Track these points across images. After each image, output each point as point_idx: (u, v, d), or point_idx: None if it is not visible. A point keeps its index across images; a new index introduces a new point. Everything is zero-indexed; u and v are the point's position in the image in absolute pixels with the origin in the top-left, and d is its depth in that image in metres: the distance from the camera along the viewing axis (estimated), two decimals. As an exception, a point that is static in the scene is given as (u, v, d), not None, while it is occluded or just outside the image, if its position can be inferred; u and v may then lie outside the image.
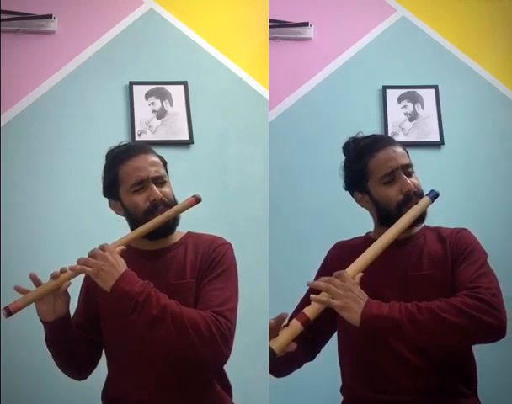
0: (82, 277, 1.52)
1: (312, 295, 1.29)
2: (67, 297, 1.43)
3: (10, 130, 2.29)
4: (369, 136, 1.53)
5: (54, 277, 1.38)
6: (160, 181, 1.47)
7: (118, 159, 1.49)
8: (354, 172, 1.50)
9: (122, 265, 1.34)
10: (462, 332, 1.25)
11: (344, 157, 1.56)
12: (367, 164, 1.46)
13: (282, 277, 2.27)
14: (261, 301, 2.13)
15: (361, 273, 1.32)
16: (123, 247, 1.39)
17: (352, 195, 1.54)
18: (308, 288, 1.57)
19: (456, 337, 1.26)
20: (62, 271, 1.38)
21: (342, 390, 1.53)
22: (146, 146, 1.54)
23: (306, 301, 1.53)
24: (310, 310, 1.27)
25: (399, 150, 1.48)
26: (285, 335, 1.25)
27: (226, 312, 1.35)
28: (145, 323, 1.30)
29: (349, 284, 1.28)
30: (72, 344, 1.47)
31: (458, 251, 1.40)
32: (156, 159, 1.50)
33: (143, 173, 1.44)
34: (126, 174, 1.46)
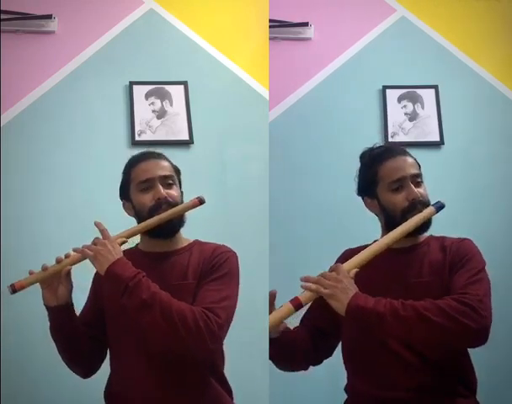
0: (88, 275, 1.56)
1: (302, 283, 1.36)
2: (70, 284, 1.50)
3: (10, 130, 2.29)
4: (382, 146, 1.60)
5: (58, 261, 1.47)
6: (167, 181, 1.53)
7: (131, 162, 1.58)
8: (366, 178, 1.56)
9: (118, 253, 1.43)
10: (442, 332, 1.28)
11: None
12: (377, 170, 1.52)
13: (282, 277, 2.27)
14: (261, 301, 2.13)
15: (356, 269, 1.38)
16: (124, 239, 1.48)
17: (363, 200, 1.58)
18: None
19: (436, 336, 1.29)
20: (66, 256, 1.47)
21: (346, 388, 1.54)
22: (161, 154, 1.61)
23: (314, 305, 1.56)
24: (303, 296, 1.35)
25: (409, 160, 1.52)
26: (276, 314, 1.35)
27: (218, 309, 1.38)
28: (134, 307, 1.35)
29: (342, 276, 1.35)
30: (73, 333, 1.51)
31: (456, 259, 1.43)
32: (166, 164, 1.57)
33: (150, 173, 1.52)
34: (136, 175, 1.54)
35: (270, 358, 1.51)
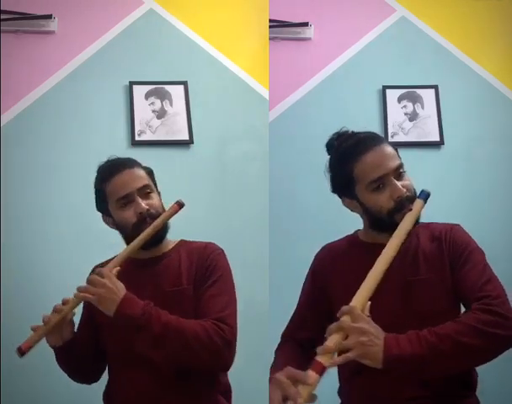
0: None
1: (321, 357, 1.12)
2: (72, 324, 1.47)
3: (10, 130, 2.30)
4: (353, 135, 1.42)
5: (57, 311, 1.39)
6: (145, 191, 1.49)
7: (104, 176, 1.51)
8: (340, 176, 1.41)
9: (121, 289, 1.36)
10: (483, 353, 1.21)
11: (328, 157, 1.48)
12: (353, 169, 1.35)
13: (282, 277, 2.27)
14: (261, 302, 2.13)
15: (369, 302, 1.20)
16: (118, 268, 1.41)
17: (340, 198, 1.46)
18: (300, 295, 1.57)
19: (478, 358, 1.23)
20: (64, 302, 1.40)
21: (339, 392, 1.50)
22: (131, 160, 1.55)
23: (304, 305, 1.53)
24: (324, 358, 1.13)
25: (387, 150, 1.36)
26: (306, 391, 1.10)
27: (227, 318, 1.36)
28: (149, 343, 1.33)
29: (364, 325, 1.16)
30: (80, 358, 1.51)
31: (456, 252, 1.35)
32: (140, 172, 1.51)
33: (127, 188, 1.47)
34: (112, 190, 1.48)
35: None
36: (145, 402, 1.42)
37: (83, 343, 1.51)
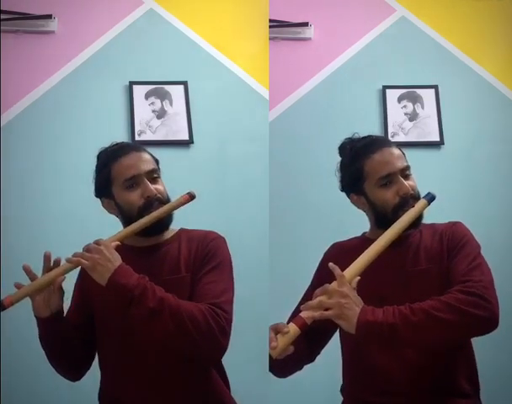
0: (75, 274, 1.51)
1: (304, 312, 1.26)
2: (62, 292, 1.42)
3: (10, 130, 2.30)
4: (365, 137, 1.52)
5: (47, 270, 1.38)
6: (153, 176, 1.46)
7: (110, 157, 1.48)
8: (350, 173, 1.49)
9: (117, 259, 1.33)
10: (456, 329, 1.25)
11: (339, 158, 1.54)
12: (363, 166, 1.45)
13: (282, 277, 2.27)
14: (261, 302, 2.13)
15: (358, 277, 1.30)
16: (118, 243, 1.38)
17: (348, 197, 1.53)
18: (308, 288, 1.59)
19: (451, 334, 1.26)
20: (56, 264, 1.38)
21: (342, 390, 1.52)
22: (138, 145, 1.54)
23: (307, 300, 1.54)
24: (307, 314, 1.25)
25: (396, 152, 1.46)
26: (283, 339, 1.24)
27: (223, 304, 1.34)
28: (142, 317, 1.29)
29: (347, 290, 1.26)
30: (65, 341, 1.44)
31: (453, 244, 1.40)
32: (148, 156, 1.49)
33: (136, 169, 1.44)
34: (119, 171, 1.45)
35: (270, 370, 1.46)
36: (143, 396, 1.40)
37: (72, 324, 1.47)
